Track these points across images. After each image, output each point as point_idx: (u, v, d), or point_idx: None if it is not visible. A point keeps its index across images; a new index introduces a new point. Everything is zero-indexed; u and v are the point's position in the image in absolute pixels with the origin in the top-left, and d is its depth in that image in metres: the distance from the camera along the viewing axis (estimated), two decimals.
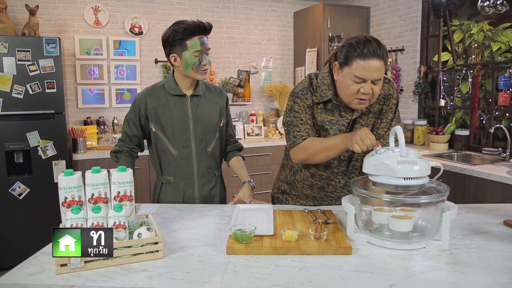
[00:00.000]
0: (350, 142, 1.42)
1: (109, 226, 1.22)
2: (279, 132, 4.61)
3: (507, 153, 3.07)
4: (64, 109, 3.26)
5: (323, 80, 1.62)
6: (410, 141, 4.01)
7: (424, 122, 3.89)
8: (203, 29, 1.79)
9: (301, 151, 1.62)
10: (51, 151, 3.21)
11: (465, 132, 3.48)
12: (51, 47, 3.12)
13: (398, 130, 1.37)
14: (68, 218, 1.20)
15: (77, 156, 3.41)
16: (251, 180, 1.99)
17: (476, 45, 3.86)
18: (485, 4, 2.77)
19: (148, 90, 1.89)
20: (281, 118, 4.71)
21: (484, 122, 3.48)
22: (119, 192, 1.34)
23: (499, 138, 3.56)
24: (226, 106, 2.02)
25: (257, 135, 4.61)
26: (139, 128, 1.89)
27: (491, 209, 1.74)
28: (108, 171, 1.35)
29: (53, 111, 3.21)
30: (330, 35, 4.41)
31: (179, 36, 1.76)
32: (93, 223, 1.21)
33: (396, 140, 1.40)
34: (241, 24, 4.69)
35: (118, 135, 3.98)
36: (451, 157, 3.38)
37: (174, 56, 1.81)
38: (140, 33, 4.18)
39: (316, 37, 4.52)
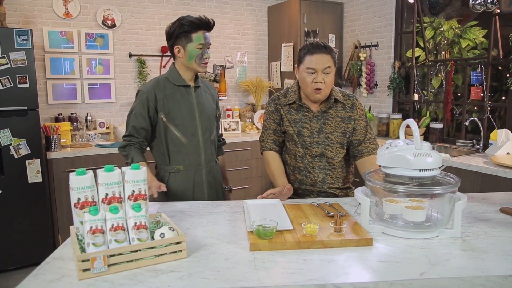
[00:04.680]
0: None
1: (130, 227, 1.17)
2: (256, 127, 4.60)
3: (481, 145, 3.23)
4: (38, 105, 3.07)
5: (292, 88, 1.97)
6: (385, 134, 4.13)
7: (399, 115, 4.02)
8: (207, 24, 1.90)
9: (265, 161, 2.03)
10: (24, 150, 3.02)
11: (439, 125, 3.63)
12: (23, 39, 2.92)
13: (412, 123, 1.40)
14: (86, 220, 1.13)
15: (51, 155, 3.23)
16: (230, 185, 2.26)
17: (446, 41, 4.03)
18: (477, 2, 2.89)
19: (154, 83, 1.95)
20: (257, 113, 4.71)
21: (457, 115, 3.64)
22: (133, 191, 1.27)
23: (468, 130, 3.75)
24: (218, 100, 2.16)
25: (234, 130, 4.57)
26: (147, 120, 1.91)
27: (484, 197, 1.83)
28: (121, 169, 1.29)
29: (25, 108, 3.01)
30: (306, 30, 4.45)
31: (185, 29, 1.87)
32: (113, 225, 1.15)
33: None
34: (216, 18, 4.61)
35: (93, 132, 3.82)
36: None
37: (178, 48, 1.90)
38: (113, 25, 4.01)
39: (292, 32, 4.54)
